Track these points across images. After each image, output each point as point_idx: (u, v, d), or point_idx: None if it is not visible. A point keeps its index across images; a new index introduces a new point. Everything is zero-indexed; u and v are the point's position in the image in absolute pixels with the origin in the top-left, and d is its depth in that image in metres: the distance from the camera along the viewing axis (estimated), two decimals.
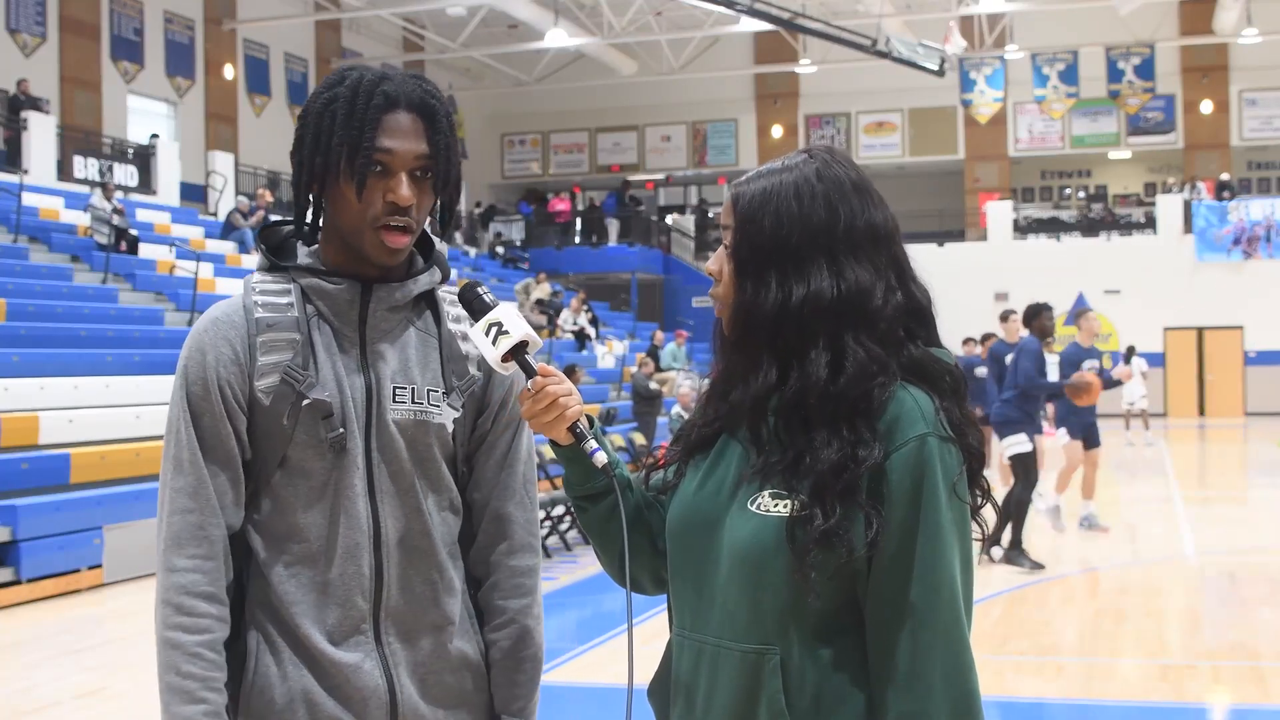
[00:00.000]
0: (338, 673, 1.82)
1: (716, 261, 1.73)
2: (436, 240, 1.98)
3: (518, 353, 1.78)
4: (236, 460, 1.84)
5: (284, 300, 1.86)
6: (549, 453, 10.55)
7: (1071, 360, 10.15)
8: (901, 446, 1.58)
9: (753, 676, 1.63)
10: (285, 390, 1.82)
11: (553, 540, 10.55)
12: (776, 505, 1.62)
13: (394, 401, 1.86)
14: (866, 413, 1.60)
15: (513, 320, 1.78)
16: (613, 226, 30.02)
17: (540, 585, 2.02)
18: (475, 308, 1.82)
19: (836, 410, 1.60)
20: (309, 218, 1.91)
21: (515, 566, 1.97)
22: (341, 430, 1.82)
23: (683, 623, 1.74)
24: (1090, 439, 10.58)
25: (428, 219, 1.90)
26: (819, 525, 1.57)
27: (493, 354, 1.78)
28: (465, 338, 1.93)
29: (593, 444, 1.76)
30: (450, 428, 1.90)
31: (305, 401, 1.81)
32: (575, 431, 1.77)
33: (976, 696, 1.60)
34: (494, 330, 1.78)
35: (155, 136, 21.53)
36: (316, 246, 1.91)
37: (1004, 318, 12.05)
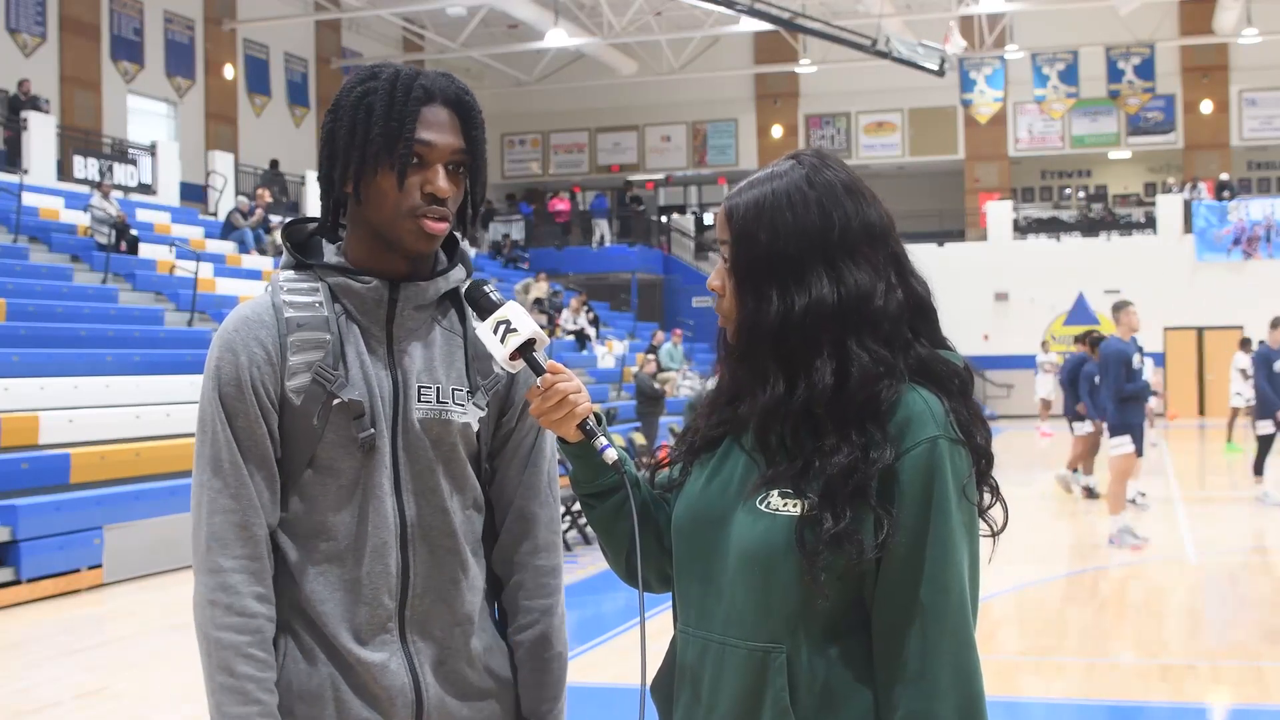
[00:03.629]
0: (364, 671, 1.83)
1: (718, 276, 1.73)
2: (460, 239, 1.99)
3: (526, 350, 1.78)
4: (272, 460, 1.83)
5: (313, 299, 1.85)
6: None
7: (1119, 357, 9.92)
8: (912, 448, 1.58)
9: (758, 674, 1.63)
10: (316, 390, 1.82)
11: None
12: (786, 504, 1.62)
13: (419, 401, 1.86)
14: (875, 415, 1.60)
15: (520, 318, 1.79)
16: (600, 227, 30.04)
17: (563, 584, 2.02)
18: (482, 305, 1.83)
19: (845, 415, 1.60)
20: (334, 213, 1.91)
21: (540, 566, 1.98)
22: (372, 430, 1.82)
23: (688, 619, 1.74)
24: (1140, 447, 10.19)
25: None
26: (829, 528, 1.57)
27: (501, 352, 1.78)
28: None
29: (603, 441, 1.76)
30: (475, 427, 1.90)
31: (336, 401, 1.81)
32: (585, 428, 1.77)
33: (982, 698, 1.62)
34: (502, 328, 1.78)
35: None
36: (341, 243, 1.91)
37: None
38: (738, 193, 1.71)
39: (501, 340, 1.77)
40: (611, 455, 1.76)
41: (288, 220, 1.97)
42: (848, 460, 1.58)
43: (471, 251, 26.52)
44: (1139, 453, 10.18)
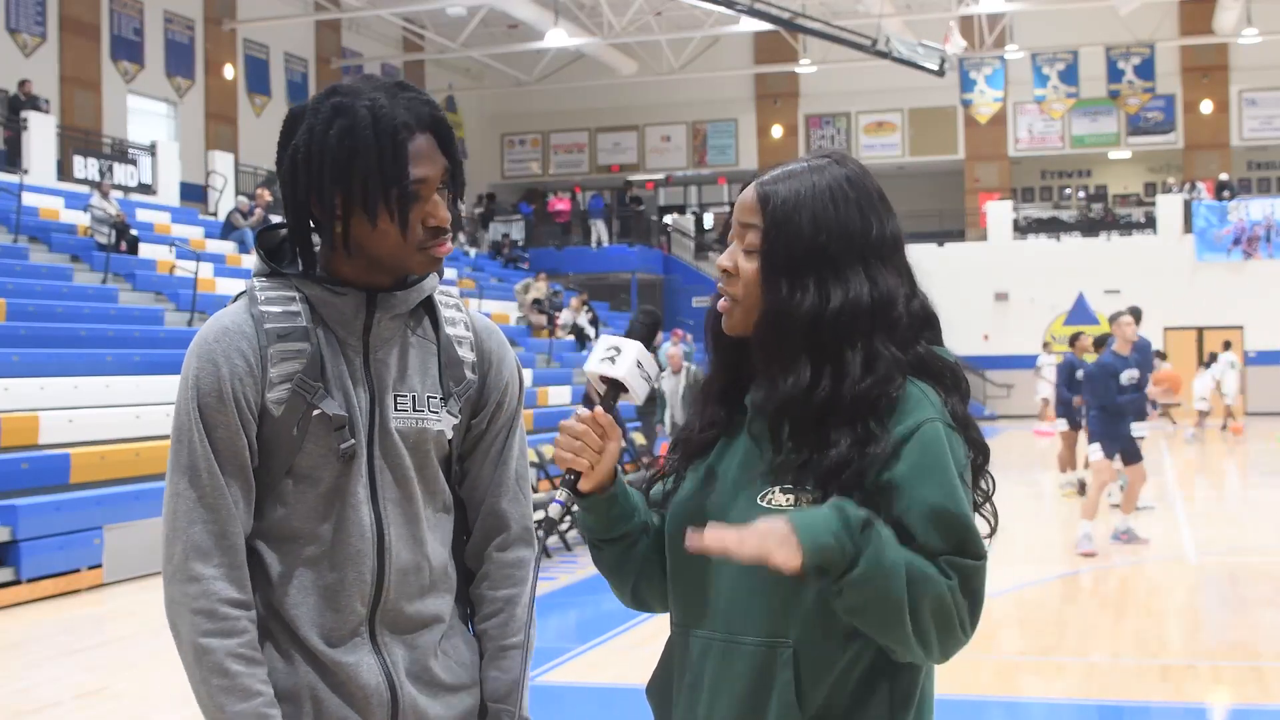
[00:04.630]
0: (340, 671, 1.85)
1: (731, 258, 1.73)
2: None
3: (610, 386, 1.77)
4: (249, 470, 1.84)
5: (291, 309, 1.86)
6: (549, 452, 10.56)
7: (1110, 371, 9.76)
8: (914, 430, 1.62)
9: (764, 669, 1.65)
10: (296, 401, 1.83)
11: (553, 540, 10.53)
12: (789, 500, 1.65)
13: (395, 410, 1.87)
14: (886, 409, 1.64)
15: (628, 359, 1.76)
16: (597, 228, 30.02)
17: (533, 578, 2.02)
18: (629, 329, 1.83)
19: (858, 408, 1.64)
20: (311, 234, 1.90)
21: (506, 559, 1.99)
22: (353, 441, 1.84)
23: (687, 620, 1.75)
24: (1130, 454, 10.00)
25: None
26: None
27: (592, 367, 1.78)
28: (460, 342, 1.95)
29: (559, 496, 1.72)
30: (449, 434, 1.92)
31: (316, 413, 1.82)
32: (566, 480, 1.73)
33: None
34: (611, 352, 1.77)
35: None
36: (318, 252, 1.90)
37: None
38: (774, 180, 1.72)
39: (600, 360, 1.77)
40: (553, 510, 1.71)
41: (261, 227, 1.97)
42: (852, 451, 1.62)
43: (471, 252, 26.33)
44: (1121, 459, 10.01)
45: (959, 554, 1.58)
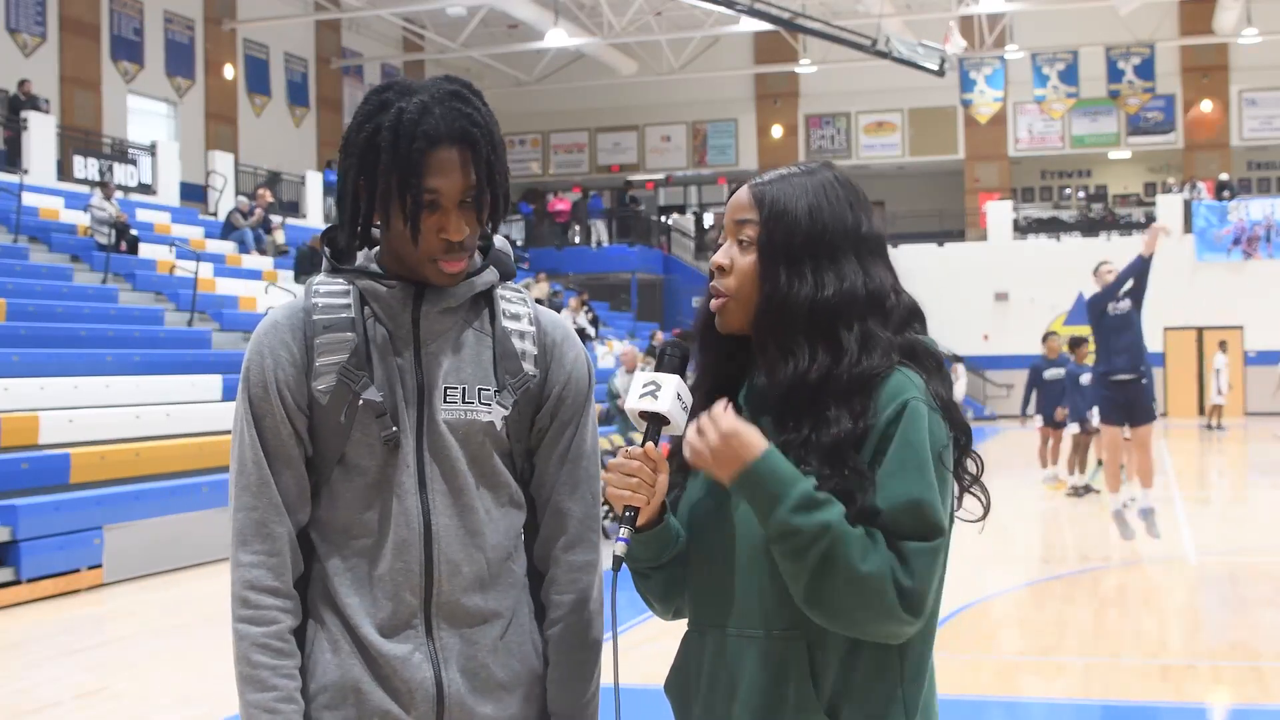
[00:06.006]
0: (386, 664, 1.86)
1: (726, 254, 1.78)
2: (497, 239, 2.00)
3: (652, 420, 1.79)
4: (299, 460, 1.88)
5: (342, 302, 1.90)
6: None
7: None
8: (899, 409, 1.69)
9: (781, 661, 1.70)
10: (342, 390, 1.86)
11: None
12: None
13: (444, 401, 1.89)
14: (876, 387, 1.70)
15: (669, 393, 1.79)
16: (597, 229, 30.02)
17: (598, 584, 2.01)
18: (661, 362, 1.85)
19: (854, 386, 1.70)
20: (355, 230, 1.94)
21: (572, 561, 1.99)
22: (395, 429, 1.86)
23: (706, 617, 1.80)
24: (1136, 416, 9.31)
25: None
26: (829, 490, 1.65)
27: (632, 404, 1.80)
28: (522, 336, 1.95)
29: (623, 533, 1.77)
30: (499, 425, 1.92)
31: (361, 401, 1.86)
32: (625, 516, 1.77)
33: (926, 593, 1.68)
34: (650, 387, 1.80)
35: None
36: (378, 248, 1.94)
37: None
38: (768, 181, 1.80)
39: (639, 396, 1.80)
40: (619, 549, 1.77)
41: (326, 226, 2.00)
42: (844, 427, 1.68)
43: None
44: (1135, 421, 9.57)
45: (918, 538, 1.65)
